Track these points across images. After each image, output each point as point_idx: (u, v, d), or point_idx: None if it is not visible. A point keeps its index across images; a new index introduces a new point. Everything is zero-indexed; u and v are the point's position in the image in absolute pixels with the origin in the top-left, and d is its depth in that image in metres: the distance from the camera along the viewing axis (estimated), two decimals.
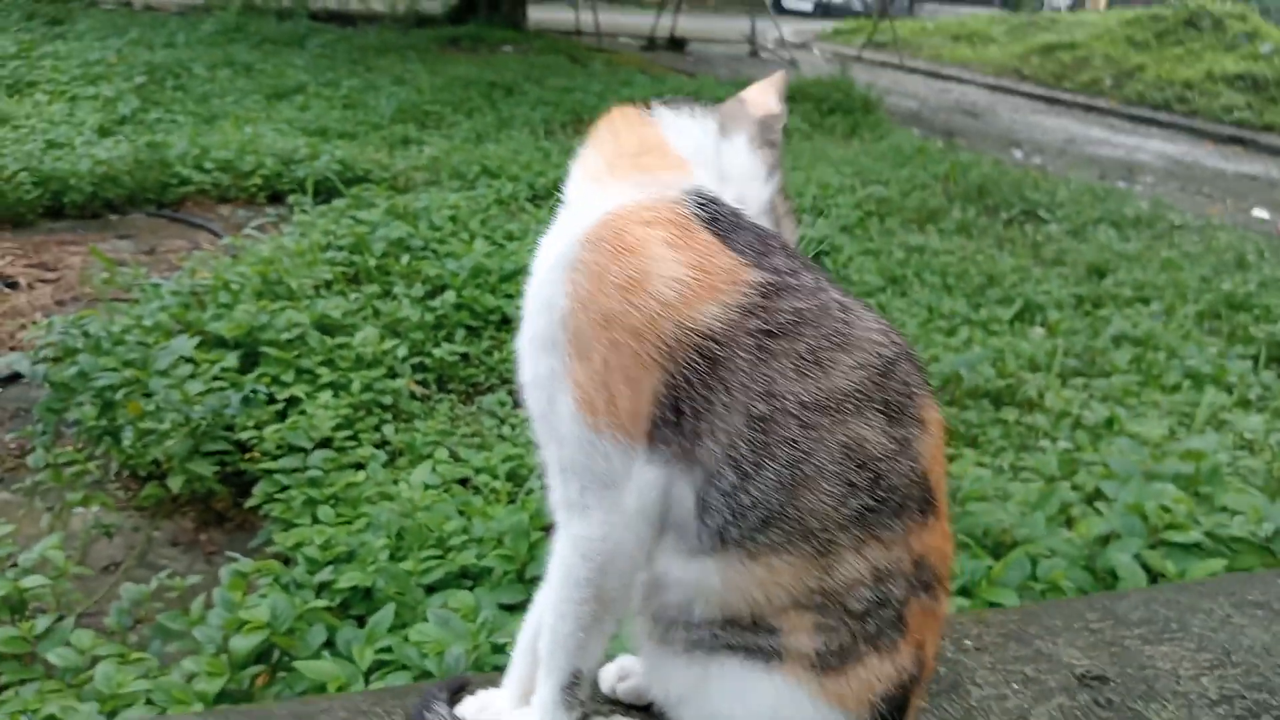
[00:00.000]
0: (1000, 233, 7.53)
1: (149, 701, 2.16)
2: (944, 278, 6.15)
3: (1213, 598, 1.84)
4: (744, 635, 1.13)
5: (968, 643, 1.62)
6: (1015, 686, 1.54)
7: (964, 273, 6.25)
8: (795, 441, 1.07)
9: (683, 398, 1.09)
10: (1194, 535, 2.57)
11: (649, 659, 1.22)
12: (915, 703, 1.22)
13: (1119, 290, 6.15)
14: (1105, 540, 2.67)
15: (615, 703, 1.42)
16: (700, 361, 1.08)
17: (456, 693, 1.35)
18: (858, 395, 1.09)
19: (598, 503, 1.14)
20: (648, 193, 1.15)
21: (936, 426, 1.17)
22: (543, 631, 1.25)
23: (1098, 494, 3.15)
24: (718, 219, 1.14)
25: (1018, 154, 12.08)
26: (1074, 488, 3.25)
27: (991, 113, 16.10)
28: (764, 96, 1.37)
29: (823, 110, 11.97)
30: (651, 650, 1.21)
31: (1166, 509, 2.70)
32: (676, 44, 20.06)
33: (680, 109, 1.29)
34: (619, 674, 1.44)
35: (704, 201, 1.15)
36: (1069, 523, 2.94)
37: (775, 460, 1.08)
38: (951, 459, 3.68)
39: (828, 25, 28.82)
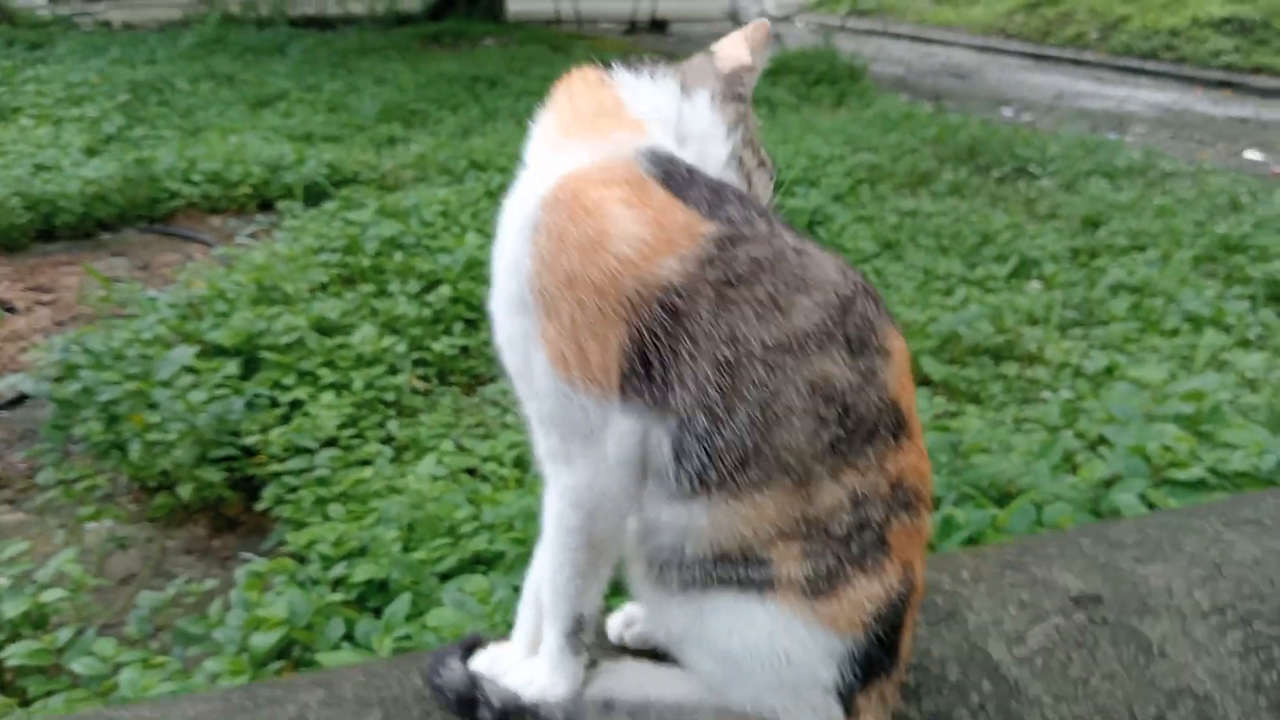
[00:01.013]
0: (993, 191, 7.52)
1: None
2: (938, 239, 6.15)
3: (1204, 518, 1.87)
4: (735, 569, 1.16)
5: (964, 574, 1.66)
6: (1012, 611, 1.57)
7: (958, 233, 6.25)
8: (762, 383, 1.10)
9: (650, 349, 1.11)
10: (1196, 472, 2.59)
11: (648, 602, 1.26)
12: (909, 621, 1.25)
13: (1114, 240, 6.14)
14: (1109, 484, 2.68)
15: (623, 650, 1.45)
16: (663, 314, 1.11)
17: (469, 650, 1.38)
18: (819, 333, 1.12)
19: (580, 452, 1.16)
20: (602, 154, 1.18)
21: (901, 354, 1.19)
22: (543, 582, 1.28)
23: (1101, 440, 3.16)
24: (671, 176, 1.17)
25: (1007, 112, 12.05)
26: (1077, 435, 3.26)
27: (978, 73, 16.04)
28: (735, 49, 1.38)
29: (808, 81, 11.93)
30: (649, 593, 1.24)
31: (1168, 448, 2.71)
32: (658, 26, 20.01)
33: (641, 70, 1.30)
34: (625, 622, 1.48)
35: (657, 159, 1.18)
36: (1073, 470, 2.95)
37: (745, 402, 1.10)
38: (954, 416, 3.69)
39: None
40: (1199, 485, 2.56)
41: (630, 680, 1.33)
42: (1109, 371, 3.97)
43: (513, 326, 1.19)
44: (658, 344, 1.11)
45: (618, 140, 1.20)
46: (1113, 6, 18.98)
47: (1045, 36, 19.20)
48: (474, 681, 1.31)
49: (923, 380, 4.26)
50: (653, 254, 1.11)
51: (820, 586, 1.15)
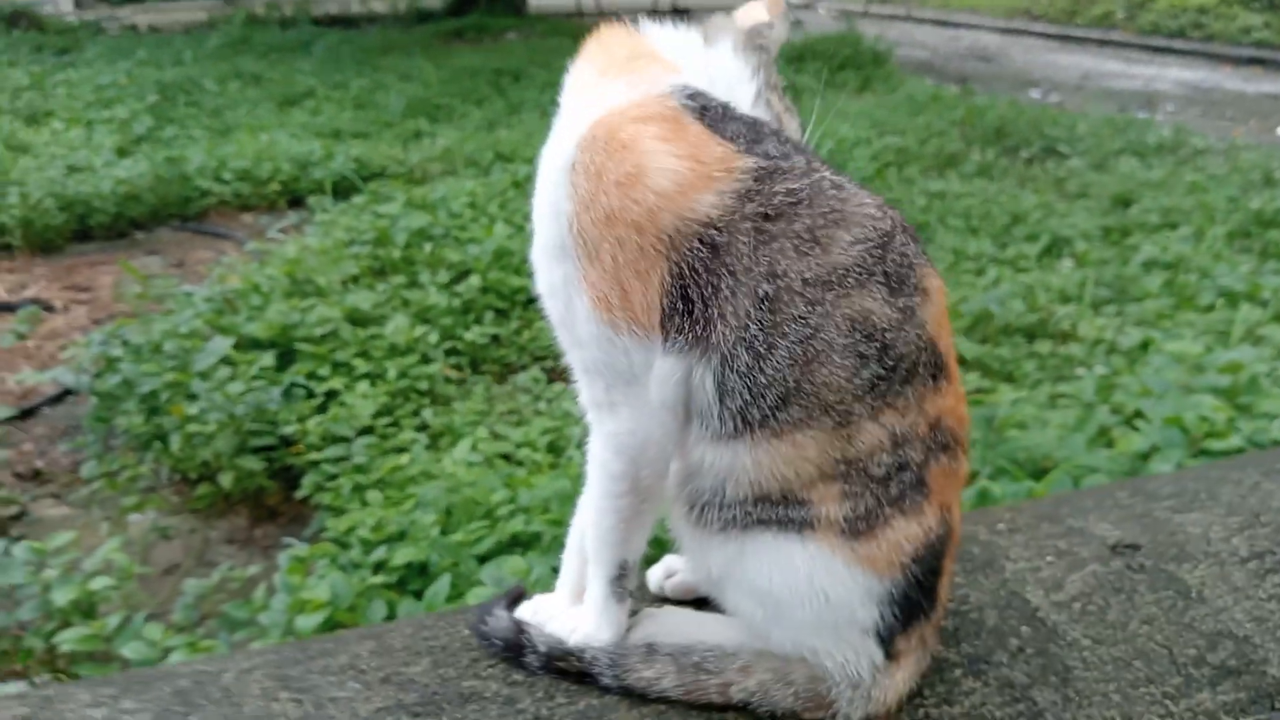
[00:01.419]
0: (1022, 172, 7.47)
1: None
2: (968, 220, 6.12)
3: (1242, 469, 1.87)
4: (775, 510, 1.17)
5: (1001, 526, 1.67)
6: (1049, 559, 1.58)
7: (988, 214, 6.21)
8: (803, 318, 1.11)
9: (690, 285, 1.12)
10: (1234, 441, 2.57)
11: (688, 544, 1.26)
12: (947, 566, 1.25)
13: (1145, 218, 6.08)
14: (1146, 456, 2.67)
15: (664, 600, 1.47)
16: (702, 249, 1.11)
17: (514, 601, 1.41)
18: (858, 269, 1.12)
19: (624, 399, 1.18)
20: (638, 90, 1.18)
21: (939, 294, 1.20)
22: (587, 530, 1.30)
23: (1137, 414, 3.14)
24: (707, 110, 1.17)
25: (1034, 94, 11.94)
26: (1113, 410, 3.24)
27: (1005, 55, 15.90)
28: (754, 9, 1.39)
29: (833, 67, 11.87)
30: (689, 536, 1.25)
31: (1206, 418, 2.69)
32: (680, 12, 19.81)
33: (664, 24, 1.32)
34: (666, 572, 1.49)
35: (693, 94, 1.18)
36: (1109, 444, 2.93)
37: (785, 338, 1.11)
38: (988, 393, 3.68)
39: None
40: (1237, 454, 2.54)
41: (672, 625, 1.35)
42: (1144, 347, 3.94)
43: (554, 274, 1.19)
44: (697, 280, 1.11)
45: (652, 77, 1.20)
46: None
47: (1072, 16, 19.00)
48: (520, 628, 1.33)
49: (957, 360, 4.24)
50: (690, 188, 1.11)
51: (859, 527, 1.16)
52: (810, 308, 1.11)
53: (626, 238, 1.11)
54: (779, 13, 1.40)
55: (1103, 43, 17.11)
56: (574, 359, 1.23)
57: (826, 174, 1.17)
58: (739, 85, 1.29)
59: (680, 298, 1.13)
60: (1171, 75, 13.72)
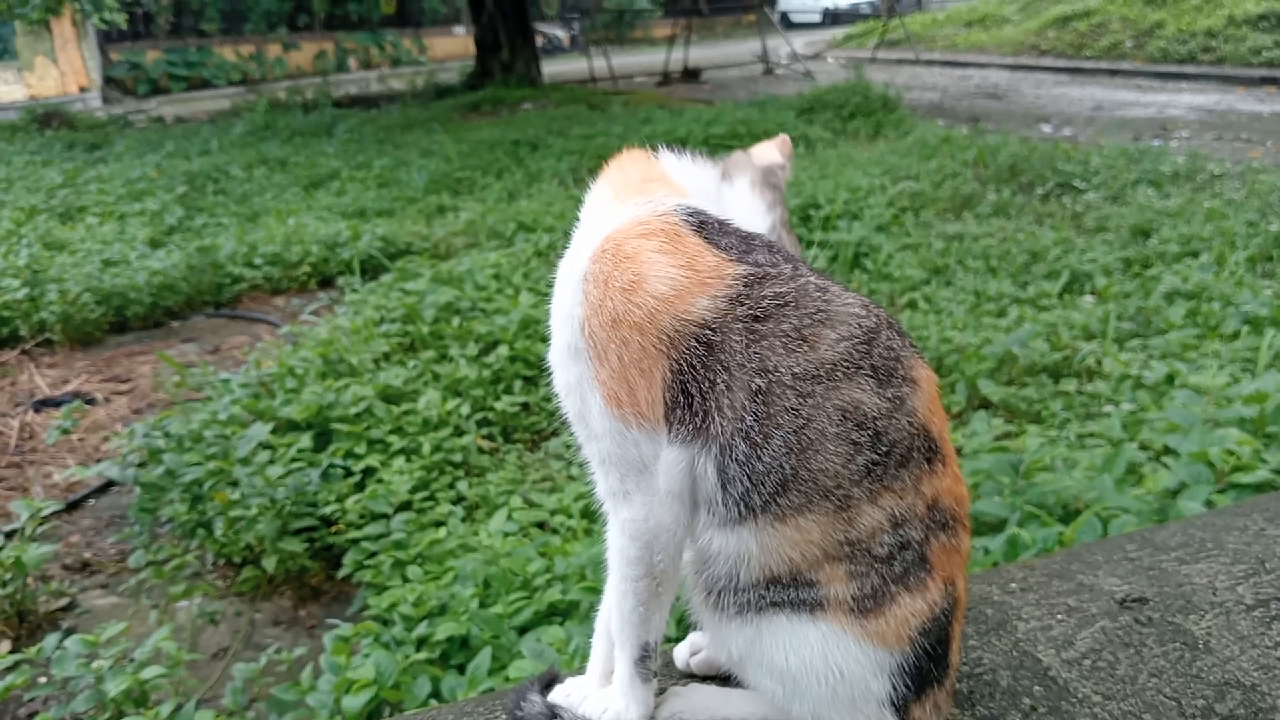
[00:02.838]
0: (1038, 209, 7.51)
1: None
2: (987, 261, 6.16)
3: (1247, 515, 1.90)
4: (786, 592, 1.24)
5: (1013, 585, 1.71)
6: (1060, 617, 1.62)
7: (1006, 253, 6.25)
8: (795, 410, 1.20)
9: (689, 381, 1.22)
10: (1261, 474, 2.58)
11: (709, 627, 1.33)
12: (955, 632, 1.31)
13: (1165, 247, 6.10)
14: (1175, 493, 2.68)
15: (690, 676, 1.54)
16: (699, 347, 1.21)
17: (548, 685, 1.47)
18: (845, 363, 1.22)
19: (635, 488, 1.27)
20: (644, 210, 1.31)
21: (928, 383, 1.28)
22: (612, 614, 1.37)
23: (1166, 450, 3.15)
24: (705, 224, 1.29)
25: (1046, 128, 12.01)
26: (1142, 447, 3.25)
27: (1015, 92, 16.02)
28: (768, 151, 1.54)
29: (843, 116, 12.03)
30: (709, 619, 1.32)
31: (1231, 452, 2.71)
32: (691, 74, 20.30)
33: (684, 154, 1.45)
34: (690, 650, 1.56)
35: (692, 211, 1.30)
36: (1139, 481, 2.95)
37: (780, 428, 1.20)
38: (1014, 436, 3.69)
39: (838, 33, 28.96)
40: (1264, 488, 2.55)
41: (698, 702, 1.41)
42: (1170, 380, 3.95)
43: (569, 374, 1.30)
44: (695, 376, 1.22)
45: (658, 199, 1.32)
46: (1146, 13, 18.88)
47: (1079, 50, 19.13)
48: (553, 712, 1.40)
49: (981, 403, 4.26)
50: (686, 293, 1.22)
51: (867, 605, 1.23)
52: (801, 400, 1.19)
53: (630, 338, 1.22)
54: (788, 154, 1.54)
55: (1113, 73, 17.20)
56: (590, 452, 1.32)
57: (812, 279, 1.27)
58: (755, 219, 1.43)
59: (681, 392, 1.22)
60: (1184, 101, 13.76)
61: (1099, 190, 7.81)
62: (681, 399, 1.22)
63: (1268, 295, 4.97)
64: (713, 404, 1.21)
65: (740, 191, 1.43)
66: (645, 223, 1.27)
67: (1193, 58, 16.66)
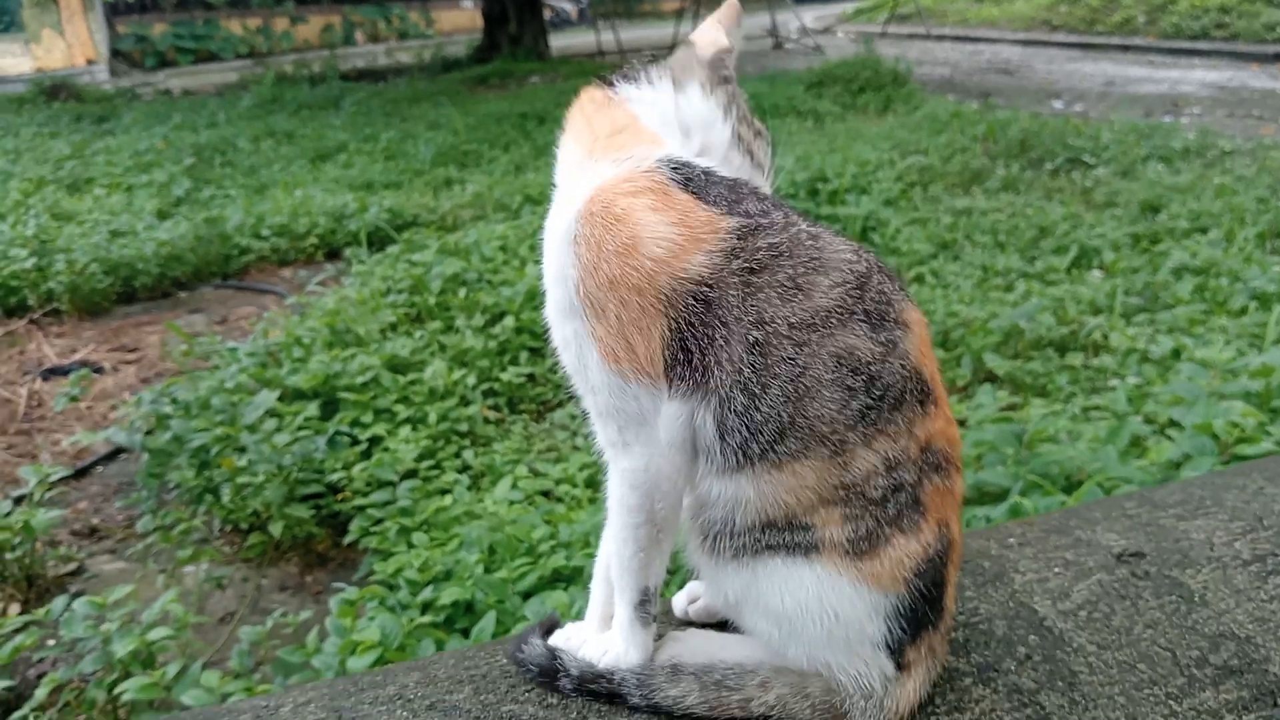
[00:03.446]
0: (1047, 184, 7.48)
1: None
2: (995, 236, 6.15)
3: (1246, 475, 1.91)
4: (782, 535, 1.26)
5: (1011, 540, 1.72)
6: (1057, 570, 1.64)
7: (1014, 228, 6.23)
8: (791, 359, 1.20)
9: (688, 337, 1.22)
10: (1265, 445, 2.58)
11: (705, 572, 1.35)
12: (951, 576, 1.33)
13: (1174, 223, 6.08)
14: (1179, 464, 2.68)
15: (689, 623, 1.56)
16: (696, 304, 1.22)
17: (549, 630, 1.51)
18: (839, 309, 1.22)
19: (635, 439, 1.28)
20: (626, 167, 1.30)
21: (920, 326, 1.29)
22: (612, 560, 1.39)
23: (1171, 423, 3.15)
24: (690, 179, 1.28)
25: (1058, 104, 11.94)
26: (1146, 420, 3.25)
27: (1026, 67, 15.91)
28: (712, 34, 1.49)
29: (853, 90, 11.96)
30: (706, 564, 1.33)
31: (1236, 424, 2.71)
32: None
33: (639, 79, 1.43)
34: (689, 598, 1.58)
35: (677, 165, 1.30)
36: (1142, 454, 2.95)
37: (777, 378, 1.20)
38: (1020, 408, 3.70)
39: (848, 7, 28.75)
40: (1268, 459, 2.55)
41: (695, 646, 1.43)
42: (1176, 355, 3.95)
43: (566, 330, 1.31)
44: (694, 332, 1.22)
45: (638, 154, 1.32)
46: None
47: (1091, 25, 18.98)
48: (554, 654, 1.42)
49: (987, 376, 4.26)
50: (681, 251, 1.22)
51: (862, 547, 1.24)
52: (797, 349, 1.20)
53: (629, 299, 1.22)
54: (733, 20, 1.50)
55: (1125, 49, 17.07)
56: (589, 404, 1.33)
57: (803, 226, 1.28)
58: (714, 128, 1.40)
59: (680, 349, 1.23)
60: (1196, 77, 13.66)
61: (1109, 166, 7.77)
62: (680, 355, 1.23)
63: (1276, 271, 4.95)
64: (711, 359, 1.22)
65: (694, 100, 1.40)
66: (631, 180, 1.27)
67: (1206, 34, 16.52)
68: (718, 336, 1.21)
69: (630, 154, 1.31)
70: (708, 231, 1.23)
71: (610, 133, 1.36)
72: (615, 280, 1.22)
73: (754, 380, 1.20)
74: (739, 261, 1.22)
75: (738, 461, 1.24)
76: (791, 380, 1.20)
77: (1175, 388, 3.27)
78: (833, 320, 1.21)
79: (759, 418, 1.21)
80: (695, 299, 1.21)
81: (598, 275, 1.23)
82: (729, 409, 1.22)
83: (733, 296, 1.21)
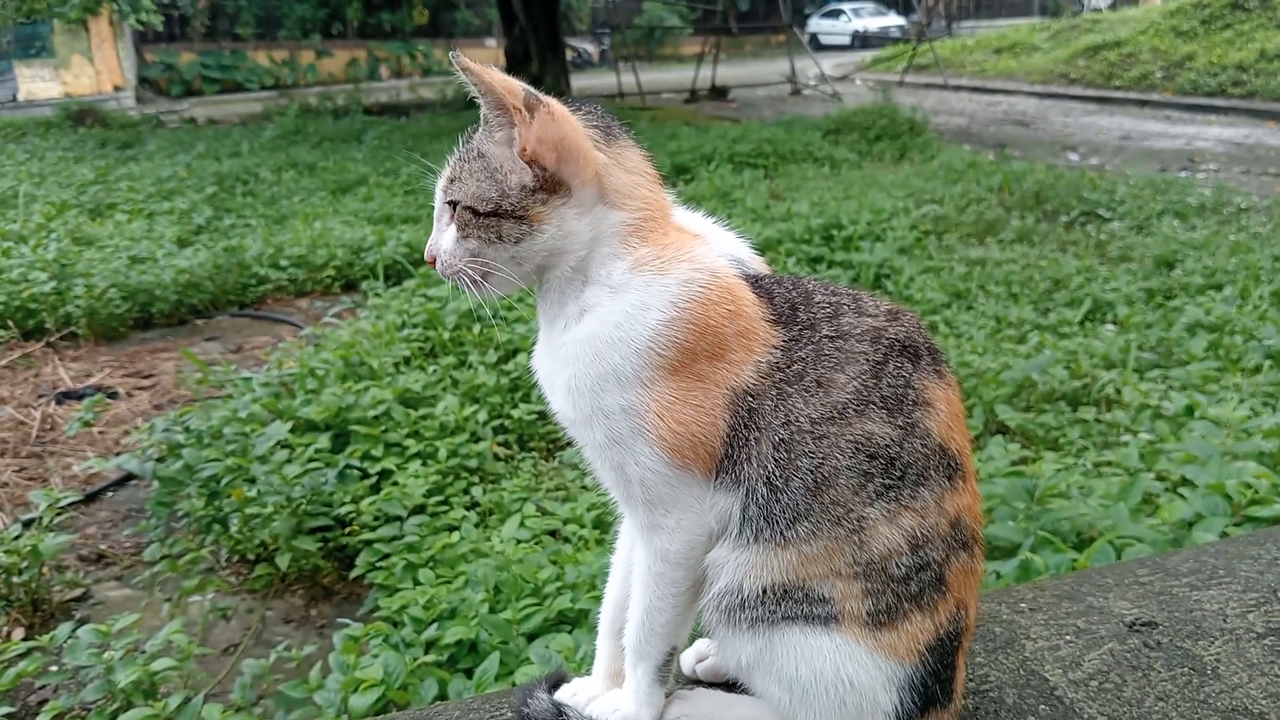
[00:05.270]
0: (1062, 236, 7.49)
1: None
2: (1008, 287, 6.15)
3: (1260, 545, 1.90)
4: (800, 606, 1.27)
5: (1023, 605, 1.71)
6: (1068, 638, 1.63)
7: (1028, 280, 6.24)
8: (812, 453, 1.24)
9: (734, 441, 1.27)
10: (1278, 508, 2.56)
11: (719, 635, 1.36)
12: (960, 662, 1.34)
13: (1189, 279, 6.07)
14: (1191, 524, 2.67)
15: (696, 682, 1.56)
16: (743, 412, 1.27)
17: (555, 685, 1.49)
18: (856, 401, 1.26)
19: (678, 523, 1.30)
20: (699, 268, 1.29)
21: (945, 403, 1.31)
22: (632, 628, 1.39)
23: (1183, 481, 3.14)
24: (757, 281, 1.33)
25: (1073, 156, 11.99)
26: (1158, 477, 3.24)
27: (1043, 119, 15.99)
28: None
29: (869, 138, 12.04)
30: (720, 630, 1.34)
31: (1248, 485, 2.69)
32: (719, 92, 20.36)
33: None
34: (697, 656, 1.59)
35: (741, 269, 1.33)
36: (1154, 511, 2.93)
37: (798, 472, 1.24)
38: (1031, 462, 3.68)
39: (866, 55, 29.00)
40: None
41: (703, 706, 1.43)
42: (1189, 412, 3.93)
43: (603, 402, 1.27)
44: (738, 435, 1.26)
45: (700, 253, 1.31)
46: (1176, 45, 18.84)
47: (1109, 79, 19.09)
48: (560, 711, 1.42)
49: (999, 428, 4.25)
50: (742, 361, 1.26)
51: (881, 619, 1.26)
52: (818, 442, 1.24)
53: (697, 400, 1.26)
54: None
55: (1142, 103, 17.15)
56: (611, 482, 1.34)
57: (826, 329, 1.30)
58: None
59: (729, 447, 1.27)
60: (1212, 133, 13.70)
61: (1124, 220, 7.79)
62: (727, 454, 1.27)
63: None
64: (744, 455, 1.26)
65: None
66: (708, 282, 1.28)
67: (1223, 90, 16.60)
68: (752, 439, 1.26)
69: (693, 252, 1.31)
70: (762, 344, 1.27)
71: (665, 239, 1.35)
72: (689, 377, 1.25)
73: (778, 475, 1.25)
74: (780, 375, 1.27)
75: (756, 538, 1.27)
76: (811, 472, 1.24)
77: (1188, 446, 3.25)
78: (850, 411, 1.25)
79: (777, 509, 1.25)
80: (742, 407, 1.26)
81: (678, 367, 1.25)
82: (752, 500, 1.26)
83: (770, 404, 1.26)
